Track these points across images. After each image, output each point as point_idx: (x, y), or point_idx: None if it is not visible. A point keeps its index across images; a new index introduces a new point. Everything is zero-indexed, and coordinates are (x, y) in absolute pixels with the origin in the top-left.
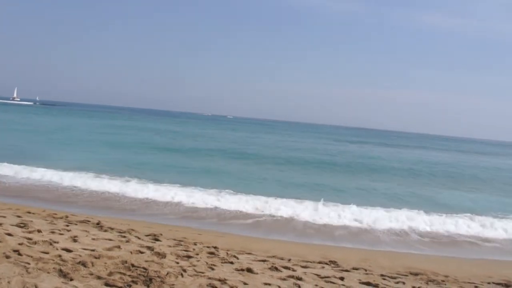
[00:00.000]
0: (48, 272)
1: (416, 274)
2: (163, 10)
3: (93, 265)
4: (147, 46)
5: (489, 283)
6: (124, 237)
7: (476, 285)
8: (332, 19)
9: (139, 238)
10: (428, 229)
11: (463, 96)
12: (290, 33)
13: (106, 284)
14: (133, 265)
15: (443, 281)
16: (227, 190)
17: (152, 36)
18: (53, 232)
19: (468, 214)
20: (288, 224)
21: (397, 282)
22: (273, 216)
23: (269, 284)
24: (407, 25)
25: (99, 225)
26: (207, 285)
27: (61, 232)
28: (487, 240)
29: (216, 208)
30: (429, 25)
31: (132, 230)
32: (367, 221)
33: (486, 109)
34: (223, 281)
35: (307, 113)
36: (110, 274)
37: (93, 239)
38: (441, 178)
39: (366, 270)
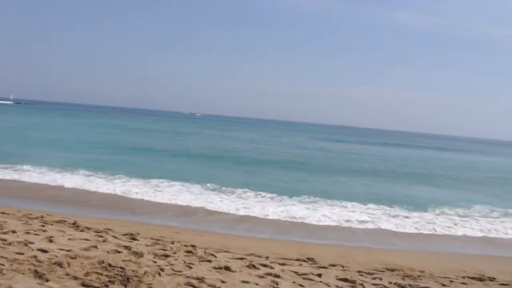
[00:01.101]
0: (23, 273)
1: (393, 270)
2: (137, 10)
3: (69, 266)
4: (121, 46)
5: (463, 277)
6: (101, 236)
7: (451, 279)
8: (306, 17)
9: (116, 238)
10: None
11: (430, 92)
12: (271, 32)
13: (83, 285)
14: (110, 265)
15: (419, 276)
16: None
17: (128, 35)
18: (28, 233)
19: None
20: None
21: (374, 278)
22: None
23: (247, 282)
24: (379, 23)
25: (75, 225)
26: (185, 284)
27: (37, 233)
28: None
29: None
30: (401, 23)
31: (109, 229)
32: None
33: (459, 106)
34: (201, 279)
35: (278, 111)
36: (87, 274)
37: (69, 239)
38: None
39: (343, 267)
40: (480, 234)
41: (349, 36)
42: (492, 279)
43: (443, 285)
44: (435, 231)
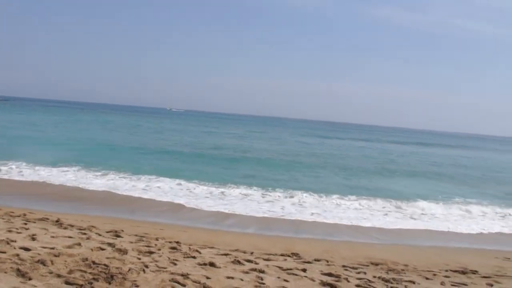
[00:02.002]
0: (6, 272)
1: (377, 264)
2: (122, 10)
3: (52, 264)
4: (101, 44)
5: (446, 270)
6: (85, 234)
7: (434, 272)
8: (294, 13)
9: (100, 235)
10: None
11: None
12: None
13: (67, 283)
14: (94, 262)
15: (402, 270)
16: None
17: (109, 32)
18: (10, 231)
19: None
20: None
21: (359, 272)
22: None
23: (232, 278)
24: (362, 19)
25: (58, 223)
26: (169, 281)
27: (19, 231)
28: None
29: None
30: (384, 19)
31: (93, 227)
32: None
33: (435, 100)
34: (185, 276)
35: (253, 106)
36: (71, 272)
37: (53, 237)
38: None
39: (328, 261)
40: (462, 228)
41: (333, 32)
42: (474, 272)
43: (427, 278)
44: (418, 225)
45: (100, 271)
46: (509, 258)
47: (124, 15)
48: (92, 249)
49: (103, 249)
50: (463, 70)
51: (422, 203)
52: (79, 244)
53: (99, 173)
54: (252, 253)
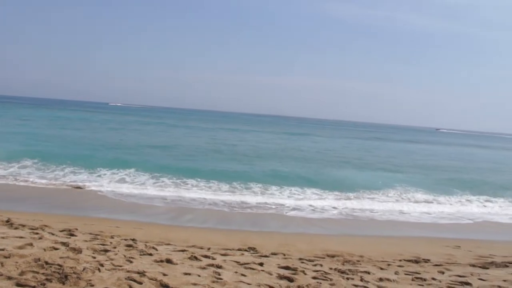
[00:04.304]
0: None
1: (333, 256)
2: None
3: (2, 265)
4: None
5: (400, 260)
6: (37, 233)
7: (388, 262)
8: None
9: (53, 234)
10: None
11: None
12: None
13: (18, 285)
14: (47, 263)
15: (358, 261)
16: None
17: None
18: None
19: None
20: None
21: (315, 265)
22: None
23: (189, 274)
24: (316, 15)
25: (9, 223)
26: (125, 279)
27: None
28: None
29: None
30: (336, 16)
31: (46, 226)
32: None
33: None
34: (142, 273)
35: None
36: (22, 273)
37: (3, 237)
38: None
39: (284, 255)
40: (415, 218)
41: (283, 27)
42: (426, 261)
43: (381, 268)
44: (374, 216)
45: (54, 272)
46: (459, 247)
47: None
48: (44, 249)
49: (56, 249)
50: (416, 65)
51: (367, 193)
52: (31, 245)
53: (50, 169)
54: (209, 248)
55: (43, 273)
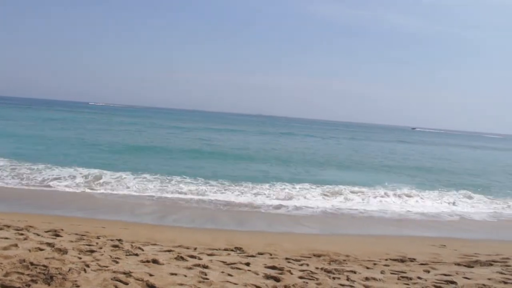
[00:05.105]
0: None
1: (319, 256)
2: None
3: None
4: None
5: (386, 259)
6: (22, 234)
7: (374, 262)
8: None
9: (38, 235)
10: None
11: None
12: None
13: (3, 286)
14: (32, 264)
15: (344, 260)
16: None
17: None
18: None
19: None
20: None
21: (301, 264)
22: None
23: (175, 274)
24: (303, 16)
25: None
26: (111, 279)
27: None
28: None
29: None
30: (322, 16)
31: (31, 226)
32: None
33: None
34: (128, 274)
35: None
36: (7, 274)
37: None
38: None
39: (271, 255)
40: (400, 216)
41: (268, 27)
42: (412, 260)
43: (367, 267)
44: (359, 215)
45: (39, 272)
46: (445, 245)
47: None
48: (30, 250)
49: (41, 250)
50: (399, 63)
51: (359, 192)
52: (16, 245)
53: (34, 169)
54: (195, 248)
55: (28, 274)
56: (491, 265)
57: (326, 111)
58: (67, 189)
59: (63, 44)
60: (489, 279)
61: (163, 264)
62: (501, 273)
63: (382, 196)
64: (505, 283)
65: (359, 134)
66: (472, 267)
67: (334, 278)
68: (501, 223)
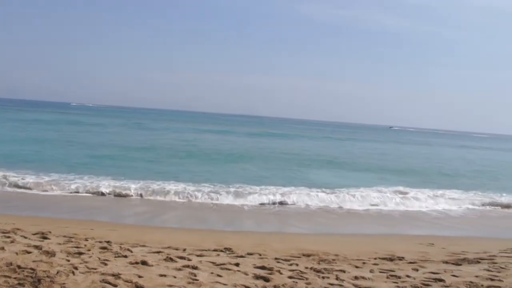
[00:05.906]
0: None
1: (309, 255)
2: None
3: None
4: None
5: (375, 258)
6: (9, 237)
7: (364, 261)
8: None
9: (25, 238)
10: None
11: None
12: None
13: None
14: (19, 267)
15: (333, 260)
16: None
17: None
18: None
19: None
20: None
21: (291, 264)
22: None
23: (165, 276)
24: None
25: None
26: (100, 281)
27: None
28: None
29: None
30: (309, 15)
31: (18, 229)
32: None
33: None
34: (117, 276)
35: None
36: None
37: None
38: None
39: (260, 255)
40: (388, 214)
41: (255, 26)
42: (401, 258)
43: (356, 266)
44: (347, 214)
45: (26, 276)
46: (433, 244)
47: None
48: (17, 253)
49: (29, 252)
50: (387, 63)
51: (348, 191)
52: (3, 248)
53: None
54: (184, 249)
55: (15, 278)
56: (479, 262)
57: (318, 112)
58: (50, 192)
59: (63, 44)
60: (476, 276)
61: (152, 265)
62: (488, 270)
63: (370, 195)
64: (492, 280)
65: (357, 135)
66: (460, 265)
67: (323, 277)
68: (488, 220)
